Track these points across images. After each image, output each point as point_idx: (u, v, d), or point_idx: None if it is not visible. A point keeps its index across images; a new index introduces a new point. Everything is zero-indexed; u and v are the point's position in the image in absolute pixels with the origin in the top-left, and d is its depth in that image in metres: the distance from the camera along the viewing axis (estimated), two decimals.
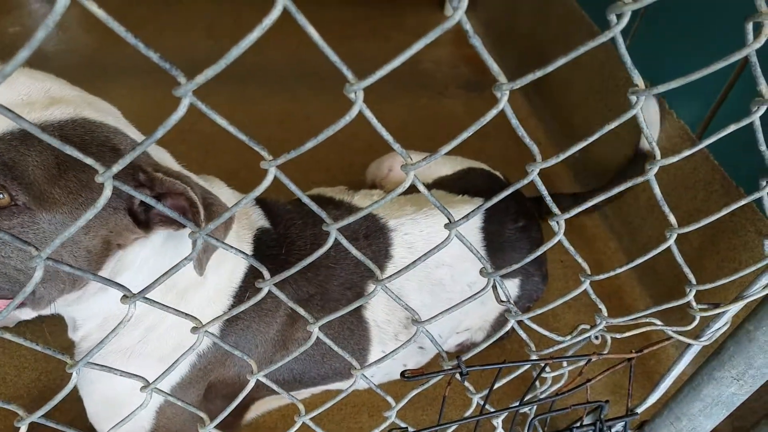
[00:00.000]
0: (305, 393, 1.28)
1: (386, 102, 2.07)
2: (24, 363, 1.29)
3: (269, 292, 1.05)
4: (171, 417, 1.03)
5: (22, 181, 0.70)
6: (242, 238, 1.05)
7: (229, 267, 1.03)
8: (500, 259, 1.26)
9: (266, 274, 0.63)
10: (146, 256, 0.90)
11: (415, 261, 0.66)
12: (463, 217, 0.64)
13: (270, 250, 1.07)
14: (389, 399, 0.86)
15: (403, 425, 0.90)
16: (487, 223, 1.27)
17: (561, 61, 0.49)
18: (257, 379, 1.12)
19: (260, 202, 1.15)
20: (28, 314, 0.91)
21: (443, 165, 1.43)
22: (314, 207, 0.56)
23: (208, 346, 1.02)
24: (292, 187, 0.52)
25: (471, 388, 0.90)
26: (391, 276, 0.67)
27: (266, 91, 2.11)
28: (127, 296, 0.53)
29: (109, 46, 2.24)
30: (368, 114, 0.48)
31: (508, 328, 0.81)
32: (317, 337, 1.11)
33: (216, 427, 1.14)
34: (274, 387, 0.80)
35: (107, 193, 0.46)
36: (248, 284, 1.04)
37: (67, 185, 0.74)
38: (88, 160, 0.44)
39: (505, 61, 2.30)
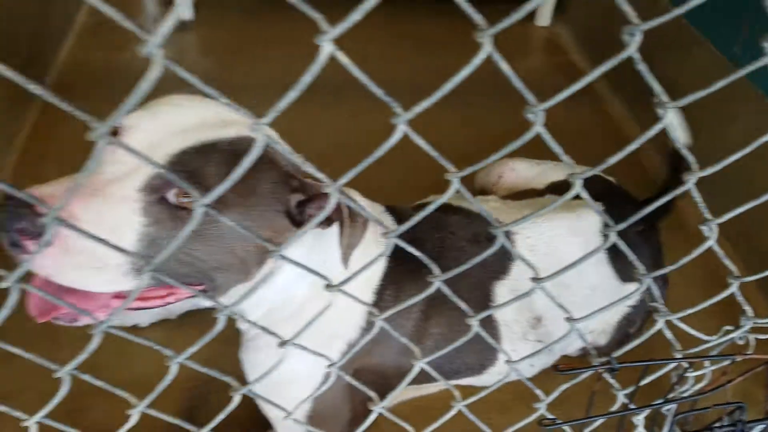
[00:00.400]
0: (433, 388, 1.34)
1: (489, 111, 2.12)
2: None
3: (406, 290, 1.13)
4: (325, 401, 1.11)
5: (204, 185, 0.81)
6: (378, 242, 1.12)
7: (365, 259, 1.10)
8: (625, 264, 1.28)
9: (437, 270, 0.70)
10: (300, 255, 1.01)
11: (575, 261, 0.70)
12: (624, 223, 0.68)
13: (403, 252, 1.14)
14: (538, 392, 0.91)
15: (550, 416, 0.94)
16: (608, 227, 1.30)
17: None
18: (395, 372, 1.19)
19: (389, 208, 1.22)
20: (207, 302, 1.02)
21: (555, 170, 1.47)
22: (484, 211, 0.63)
23: (356, 336, 1.11)
24: (468, 196, 0.60)
25: (616, 384, 0.94)
26: (550, 276, 0.72)
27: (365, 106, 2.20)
28: (330, 285, 0.68)
29: (224, 68, 2.38)
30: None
31: (658, 327, 0.84)
32: (447, 330, 1.18)
33: (357, 412, 1.22)
34: (434, 374, 0.86)
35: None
36: (386, 281, 1.13)
37: (239, 190, 0.84)
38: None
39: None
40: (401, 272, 1.14)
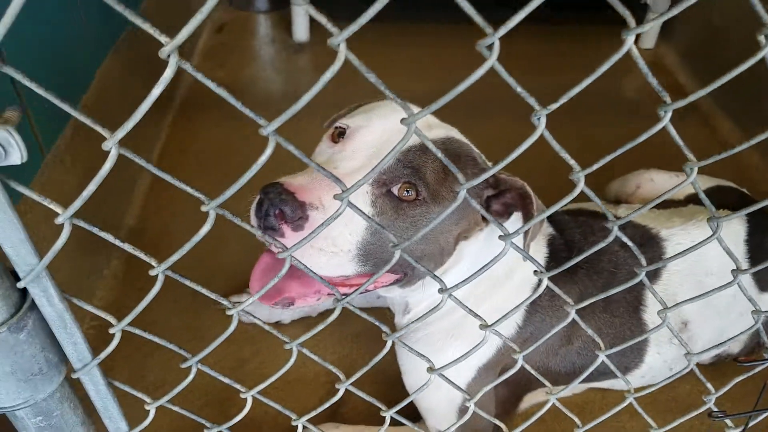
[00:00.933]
0: (576, 389, 1.36)
1: (599, 127, 2.15)
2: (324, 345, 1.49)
3: (562, 288, 1.17)
4: (476, 394, 1.15)
5: (424, 180, 0.92)
6: (539, 242, 1.18)
7: (527, 266, 1.15)
8: (765, 274, 1.29)
9: (540, 267, 0.76)
10: (473, 249, 1.05)
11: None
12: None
13: (561, 253, 1.18)
14: (709, 385, 0.93)
15: (717, 410, 0.96)
16: (751, 236, 1.31)
17: None
18: (530, 373, 1.23)
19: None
20: (393, 292, 1.10)
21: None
22: (602, 206, 0.67)
23: (514, 332, 1.15)
24: (591, 195, 0.64)
25: None
26: (698, 297, 0.80)
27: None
28: (443, 289, 0.74)
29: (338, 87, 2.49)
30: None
31: None
32: (596, 332, 1.20)
33: (495, 412, 1.26)
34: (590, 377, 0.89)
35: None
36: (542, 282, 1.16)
37: (450, 186, 0.95)
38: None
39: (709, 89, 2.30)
40: (558, 273, 1.18)
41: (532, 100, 0.56)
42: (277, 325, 1.53)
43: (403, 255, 0.68)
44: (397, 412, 0.91)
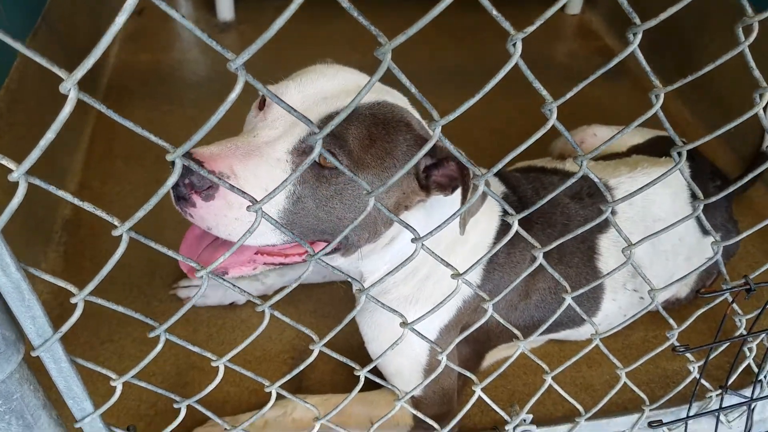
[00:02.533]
0: (535, 342, 1.39)
1: (533, 93, 2.17)
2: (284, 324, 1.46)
3: (517, 246, 1.18)
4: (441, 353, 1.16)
5: (345, 148, 0.89)
6: (492, 201, 1.18)
7: (483, 226, 1.16)
8: (705, 215, 1.34)
9: (511, 210, 0.76)
10: (419, 219, 1.05)
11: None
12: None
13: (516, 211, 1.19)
14: (671, 321, 0.96)
15: (679, 345, 1.00)
16: (694, 180, 1.36)
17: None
18: (496, 329, 1.24)
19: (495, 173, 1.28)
20: (335, 261, 1.06)
21: (633, 135, 1.54)
22: (574, 144, 0.68)
23: (471, 293, 1.15)
24: (561, 128, 0.65)
25: (739, 310, 0.99)
26: (644, 239, 0.78)
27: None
28: (416, 238, 0.71)
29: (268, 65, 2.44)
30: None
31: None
32: (553, 284, 1.22)
33: (460, 375, 1.27)
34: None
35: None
36: (497, 240, 1.17)
37: (377, 152, 0.92)
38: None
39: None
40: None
41: (544, 92, 0.60)
42: (232, 306, 1.50)
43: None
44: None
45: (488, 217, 1.18)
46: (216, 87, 2.26)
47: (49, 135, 0.46)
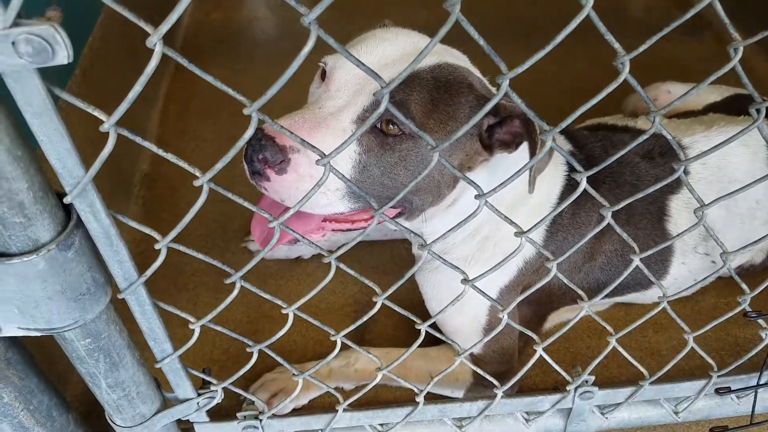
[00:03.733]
0: (600, 305, 1.38)
1: (607, 48, 2.11)
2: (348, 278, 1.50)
3: (583, 207, 1.16)
4: (499, 314, 1.16)
5: (408, 114, 0.89)
6: (557, 160, 1.16)
7: (547, 185, 1.15)
8: None
9: (579, 167, 0.74)
10: (482, 179, 1.04)
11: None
12: None
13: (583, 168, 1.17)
14: (744, 286, 0.93)
15: (751, 310, 0.97)
16: None
17: None
18: (558, 291, 1.23)
19: (561, 131, 1.25)
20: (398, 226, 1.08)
21: (711, 93, 1.48)
22: (648, 101, 0.64)
23: (533, 253, 1.15)
24: (634, 83, 0.63)
25: None
26: (717, 199, 0.80)
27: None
28: (479, 195, 0.72)
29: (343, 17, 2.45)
30: None
31: None
32: (620, 246, 1.20)
33: (521, 335, 1.27)
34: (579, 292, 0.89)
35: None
36: (561, 200, 1.15)
37: (440, 117, 0.92)
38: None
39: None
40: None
41: (617, 45, 0.60)
42: (298, 260, 1.55)
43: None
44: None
45: (552, 175, 1.16)
46: (285, 46, 2.29)
47: (137, 88, 0.49)
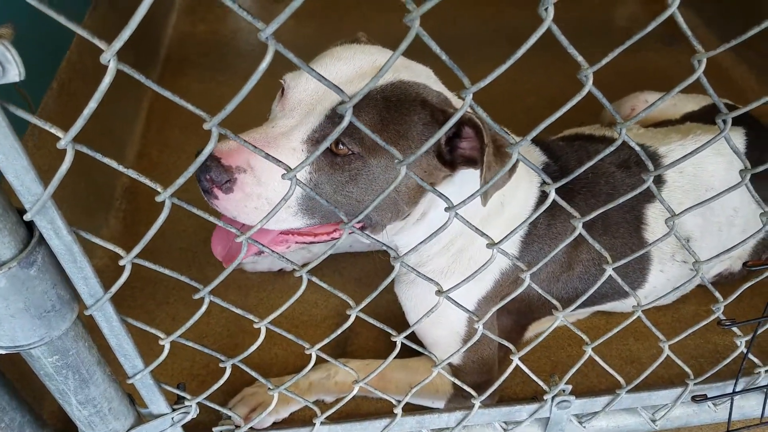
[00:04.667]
0: (580, 314, 1.38)
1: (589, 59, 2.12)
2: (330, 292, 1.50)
3: (558, 218, 1.16)
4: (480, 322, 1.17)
5: (354, 136, 0.89)
6: (531, 173, 1.17)
7: (522, 197, 1.15)
8: (763, 187, 1.29)
9: (548, 179, 0.74)
10: (455, 191, 1.03)
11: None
12: None
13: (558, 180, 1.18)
14: (717, 294, 0.94)
15: (725, 319, 0.97)
16: (749, 150, 1.31)
17: None
18: (538, 301, 1.23)
19: (537, 142, 1.26)
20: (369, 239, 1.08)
21: (689, 102, 1.49)
22: (611, 110, 0.65)
23: (510, 265, 1.15)
24: (599, 95, 0.63)
25: None
26: (694, 206, 0.81)
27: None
28: (449, 207, 0.72)
29: (322, 35, 2.46)
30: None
31: None
32: (597, 255, 1.21)
33: (501, 345, 1.27)
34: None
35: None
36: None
37: (389, 136, 0.92)
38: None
39: (702, 14, 2.28)
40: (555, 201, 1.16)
41: (580, 58, 0.60)
42: (281, 273, 1.54)
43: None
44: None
45: (527, 187, 1.17)
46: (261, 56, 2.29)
47: (92, 105, 0.49)
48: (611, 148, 0.72)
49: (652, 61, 2.20)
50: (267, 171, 0.88)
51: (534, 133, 0.67)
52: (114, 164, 0.57)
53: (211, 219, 0.65)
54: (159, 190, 0.59)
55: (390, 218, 1.01)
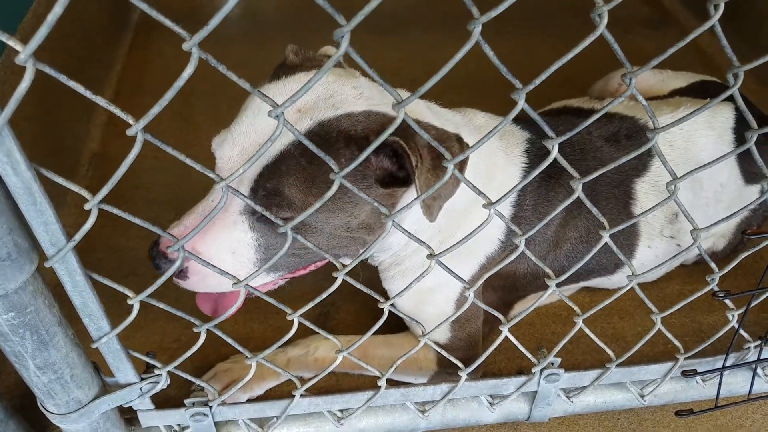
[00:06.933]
0: (566, 290, 1.35)
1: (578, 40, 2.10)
2: None
3: (544, 197, 1.12)
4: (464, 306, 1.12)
5: (283, 200, 0.85)
6: (511, 153, 1.13)
7: (500, 179, 1.11)
8: (750, 166, 1.27)
9: (551, 134, 0.72)
10: (415, 208, 0.97)
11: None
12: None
13: (541, 159, 1.13)
14: (713, 265, 0.91)
15: (719, 290, 0.95)
16: (737, 126, 1.29)
17: None
18: (523, 279, 1.20)
19: (519, 118, 1.21)
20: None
21: (676, 79, 1.47)
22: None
23: (496, 250, 1.12)
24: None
25: None
26: (687, 173, 0.78)
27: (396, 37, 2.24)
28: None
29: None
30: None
31: None
32: (584, 233, 1.17)
33: (486, 321, 1.24)
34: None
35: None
36: (525, 190, 1.12)
37: (320, 191, 0.85)
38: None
39: None
40: (540, 179, 1.13)
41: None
42: None
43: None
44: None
45: (509, 172, 1.12)
46: (244, 25, 2.22)
47: (57, 10, 0.43)
48: (620, 100, 0.68)
49: (640, 45, 2.18)
50: (214, 252, 0.89)
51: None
52: (81, 89, 0.51)
53: (188, 161, 0.59)
54: (130, 122, 0.53)
55: (356, 250, 0.98)
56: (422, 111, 1.01)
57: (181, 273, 0.90)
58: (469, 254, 1.12)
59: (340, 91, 0.92)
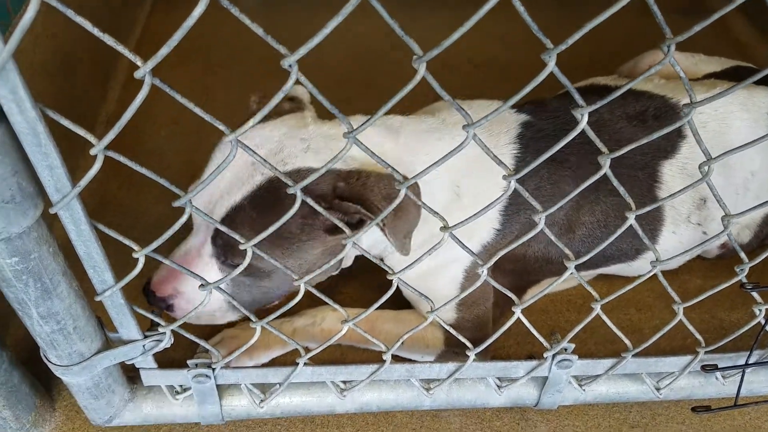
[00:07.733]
0: (582, 277, 1.31)
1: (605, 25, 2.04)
2: None
3: (546, 179, 1.07)
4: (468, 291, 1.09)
5: (236, 253, 0.90)
6: (501, 141, 1.09)
7: (479, 176, 1.06)
8: None
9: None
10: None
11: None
12: None
13: (537, 143, 1.09)
14: (743, 255, 0.88)
15: (747, 282, 0.91)
16: None
17: None
18: (534, 263, 1.16)
19: (532, 101, 1.16)
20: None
21: (711, 64, 1.42)
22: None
23: (492, 238, 1.09)
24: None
25: None
26: (719, 156, 0.74)
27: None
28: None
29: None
30: None
31: None
32: (602, 217, 1.13)
33: (497, 304, 1.21)
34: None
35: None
36: (521, 177, 1.06)
37: (269, 242, 0.84)
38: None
39: None
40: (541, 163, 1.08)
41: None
42: None
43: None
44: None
45: (503, 156, 1.08)
46: None
47: None
48: (657, 68, 0.65)
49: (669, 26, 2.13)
50: (194, 292, 0.98)
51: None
52: (97, 32, 0.48)
53: (197, 110, 0.57)
54: (139, 63, 0.51)
55: (324, 279, 1.08)
56: (376, 136, 1.00)
57: (169, 308, 1.00)
58: (467, 239, 1.07)
59: (289, 145, 0.95)
